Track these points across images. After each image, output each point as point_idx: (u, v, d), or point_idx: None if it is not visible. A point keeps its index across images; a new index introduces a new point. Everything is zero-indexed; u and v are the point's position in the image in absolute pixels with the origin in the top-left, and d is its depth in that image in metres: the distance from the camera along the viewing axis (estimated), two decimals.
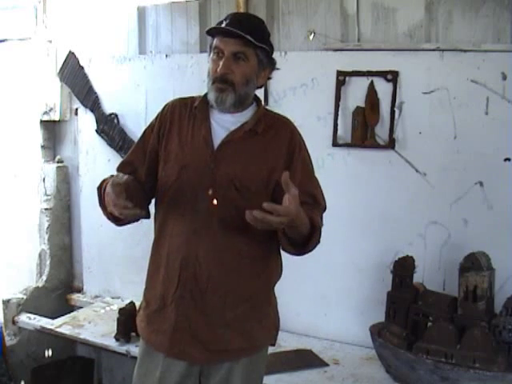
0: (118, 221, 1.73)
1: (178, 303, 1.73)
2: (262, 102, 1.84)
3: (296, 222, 1.55)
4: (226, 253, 1.71)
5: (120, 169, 1.82)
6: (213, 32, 1.71)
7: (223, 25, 1.67)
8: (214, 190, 1.68)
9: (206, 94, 1.77)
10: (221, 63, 1.66)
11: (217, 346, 1.74)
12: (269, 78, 1.81)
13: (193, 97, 1.82)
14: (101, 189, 1.75)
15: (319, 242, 1.72)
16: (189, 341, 1.73)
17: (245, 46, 1.66)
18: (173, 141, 1.77)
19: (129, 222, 1.75)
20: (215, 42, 1.70)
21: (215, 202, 1.67)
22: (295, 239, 1.66)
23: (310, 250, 1.72)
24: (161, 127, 1.80)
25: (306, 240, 1.67)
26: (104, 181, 1.76)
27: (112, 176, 1.68)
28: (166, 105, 1.85)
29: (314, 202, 1.74)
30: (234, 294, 1.73)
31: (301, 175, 1.74)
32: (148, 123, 1.88)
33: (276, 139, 1.75)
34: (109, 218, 1.76)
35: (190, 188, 1.71)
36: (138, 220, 1.72)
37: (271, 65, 1.77)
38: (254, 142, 1.73)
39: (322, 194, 1.80)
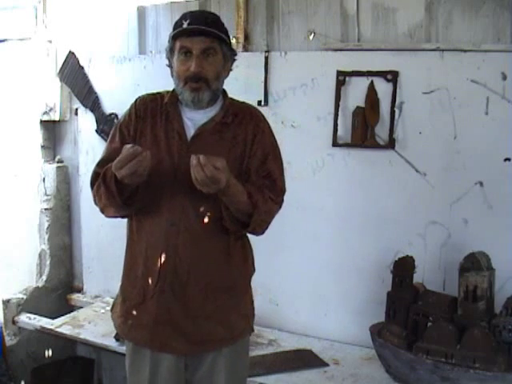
0: (127, 200, 1.69)
1: (159, 296, 1.75)
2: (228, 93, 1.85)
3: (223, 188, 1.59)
4: (205, 244, 1.74)
5: (101, 168, 1.75)
6: (179, 34, 1.71)
7: (185, 25, 1.68)
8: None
9: (174, 90, 1.79)
10: (193, 62, 1.68)
11: (199, 338, 1.77)
12: (230, 70, 1.82)
13: (160, 92, 1.84)
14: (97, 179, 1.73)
15: (267, 222, 1.76)
16: (170, 333, 1.76)
17: (212, 41, 1.69)
18: (146, 136, 1.77)
19: (133, 196, 1.71)
20: (180, 42, 1.70)
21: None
22: (238, 216, 1.69)
23: (258, 229, 1.75)
24: (136, 122, 1.79)
25: (248, 218, 1.69)
26: (98, 175, 1.74)
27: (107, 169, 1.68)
28: (136, 100, 1.85)
29: (272, 184, 1.77)
30: (214, 286, 1.76)
31: (260, 159, 1.77)
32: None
33: (242, 128, 1.78)
34: (113, 202, 1.69)
35: (165, 182, 1.72)
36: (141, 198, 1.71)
37: (233, 56, 1.80)
38: (224, 132, 1.76)
39: (282, 177, 1.83)
